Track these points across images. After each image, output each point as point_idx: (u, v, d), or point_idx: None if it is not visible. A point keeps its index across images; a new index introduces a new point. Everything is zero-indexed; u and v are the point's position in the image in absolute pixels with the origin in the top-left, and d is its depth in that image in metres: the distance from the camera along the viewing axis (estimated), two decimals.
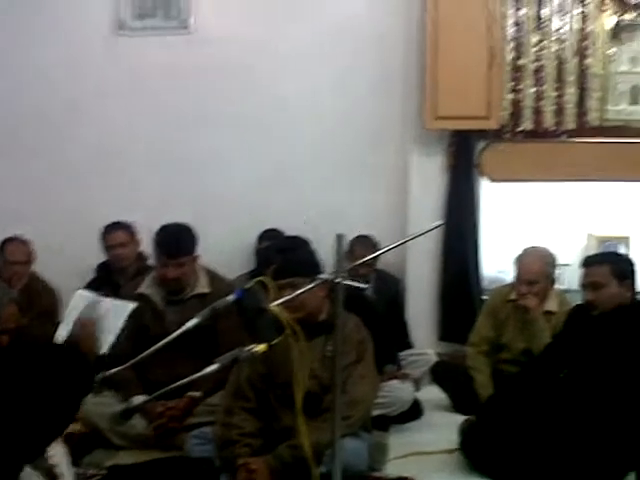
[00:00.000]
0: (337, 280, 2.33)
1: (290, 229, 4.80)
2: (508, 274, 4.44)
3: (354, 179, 5.21)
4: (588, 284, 3.31)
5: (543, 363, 3.48)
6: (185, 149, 5.26)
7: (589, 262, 3.39)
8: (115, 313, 3.70)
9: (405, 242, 2.74)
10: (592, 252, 4.91)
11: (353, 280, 4.49)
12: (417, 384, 4.37)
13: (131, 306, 3.70)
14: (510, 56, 4.80)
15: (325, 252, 3.06)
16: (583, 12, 4.77)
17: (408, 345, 4.76)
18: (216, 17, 5.19)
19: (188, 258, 3.75)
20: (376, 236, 4.78)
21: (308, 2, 5.16)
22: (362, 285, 2.81)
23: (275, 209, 5.13)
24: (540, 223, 5.08)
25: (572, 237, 5.12)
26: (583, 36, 4.78)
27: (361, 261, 3.06)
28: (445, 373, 4.42)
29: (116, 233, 4.68)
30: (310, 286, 2.47)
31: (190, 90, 5.24)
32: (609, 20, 4.83)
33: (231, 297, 2.32)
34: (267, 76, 5.19)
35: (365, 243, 4.71)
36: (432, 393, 4.40)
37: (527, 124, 4.83)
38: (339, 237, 2.33)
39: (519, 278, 4.10)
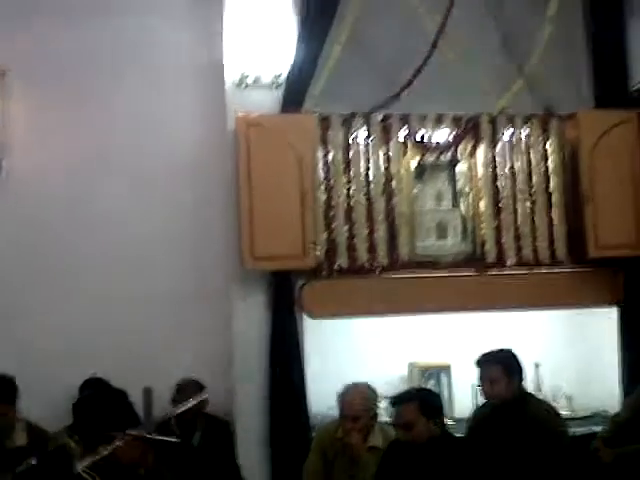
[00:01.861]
0: (147, 435, 2.29)
1: (113, 378, 4.65)
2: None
3: (177, 323, 5.18)
4: (399, 424, 3.37)
5: None
6: (2, 298, 5.07)
7: (397, 401, 3.45)
8: None
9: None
10: (414, 382, 5.07)
11: (179, 425, 4.46)
12: None
13: None
14: (322, 197, 5.00)
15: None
16: (387, 154, 5.09)
17: None
18: (28, 159, 5.14)
19: (8, 407, 3.64)
20: (203, 379, 4.70)
21: (124, 148, 5.22)
22: (172, 439, 2.75)
23: (96, 358, 4.96)
24: (364, 356, 5.18)
25: (395, 368, 5.24)
26: (388, 177, 5.08)
27: (183, 408, 3.01)
28: None
29: None
30: (116, 444, 2.40)
31: (3, 236, 5.11)
32: (412, 161, 5.17)
33: (32, 461, 2.23)
34: (83, 220, 5.17)
35: (190, 387, 4.63)
36: None
37: (342, 261, 5.00)
38: (146, 391, 2.30)
39: (342, 415, 4.13)
